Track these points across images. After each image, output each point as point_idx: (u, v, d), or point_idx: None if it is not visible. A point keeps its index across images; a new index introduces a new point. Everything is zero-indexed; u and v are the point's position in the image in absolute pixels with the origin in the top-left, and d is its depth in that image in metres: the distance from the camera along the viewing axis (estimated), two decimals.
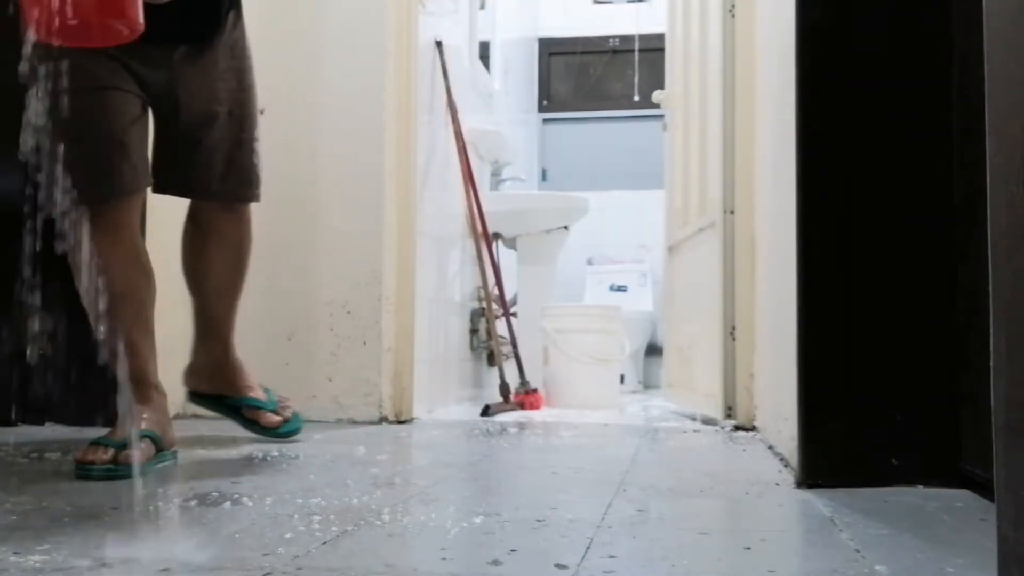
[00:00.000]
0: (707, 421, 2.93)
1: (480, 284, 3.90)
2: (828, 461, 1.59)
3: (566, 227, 4.31)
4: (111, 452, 1.72)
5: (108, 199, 1.90)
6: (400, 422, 2.84)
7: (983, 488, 1.48)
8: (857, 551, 1.12)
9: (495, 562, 1.05)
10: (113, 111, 1.92)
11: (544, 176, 6.11)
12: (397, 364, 2.88)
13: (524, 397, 3.59)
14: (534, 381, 3.74)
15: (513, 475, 1.84)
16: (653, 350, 5.08)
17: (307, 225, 2.90)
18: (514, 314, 4.11)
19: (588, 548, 1.12)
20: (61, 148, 1.86)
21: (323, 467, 1.82)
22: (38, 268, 2.46)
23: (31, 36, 1.63)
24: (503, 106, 5.16)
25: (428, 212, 3.30)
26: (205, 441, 2.26)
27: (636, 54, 5.96)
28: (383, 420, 2.81)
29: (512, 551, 1.10)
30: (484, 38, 4.69)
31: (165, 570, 0.99)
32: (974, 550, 1.13)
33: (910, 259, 1.61)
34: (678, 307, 3.54)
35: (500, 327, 3.84)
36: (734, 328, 2.82)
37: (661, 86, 3.85)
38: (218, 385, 2.28)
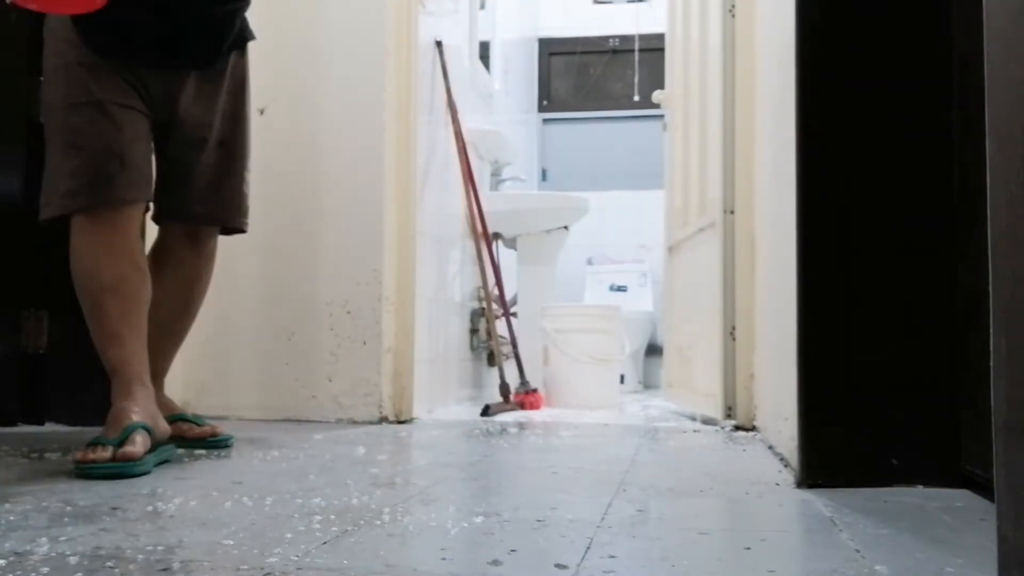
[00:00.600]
0: (707, 421, 2.93)
1: (480, 284, 3.90)
2: (828, 461, 1.59)
3: (566, 227, 4.31)
4: (110, 450, 1.72)
5: (99, 206, 1.91)
6: (400, 422, 2.84)
7: (983, 488, 1.48)
8: (857, 551, 1.12)
9: (495, 562, 1.05)
10: (117, 126, 1.94)
11: (544, 176, 6.11)
12: (397, 364, 2.88)
13: (524, 397, 3.59)
14: (534, 381, 3.74)
15: (513, 475, 1.84)
16: (653, 350, 5.09)
17: (307, 225, 2.90)
18: (514, 314, 4.12)
19: (588, 548, 1.12)
20: (62, 153, 1.90)
21: (323, 467, 1.82)
22: (37, 268, 2.46)
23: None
24: (503, 106, 5.15)
25: (428, 212, 3.30)
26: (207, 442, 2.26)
27: (636, 54, 5.96)
28: (383, 420, 2.81)
29: (512, 551, 1.10)
30: (484, 38, 4.69)
31: (165, 570, 0.99)
32: (974, 550, 1.13)
33: (910, 259, 1.61)
34: (678, 307, 3.54)
35: (500, 327, 3.84)
36: (734, 328, 2.82)
37: (661, 86, 3.85)
38: None
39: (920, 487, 1.56)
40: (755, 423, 2.68)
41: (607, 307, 4.25)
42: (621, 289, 5.38)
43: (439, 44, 3.48)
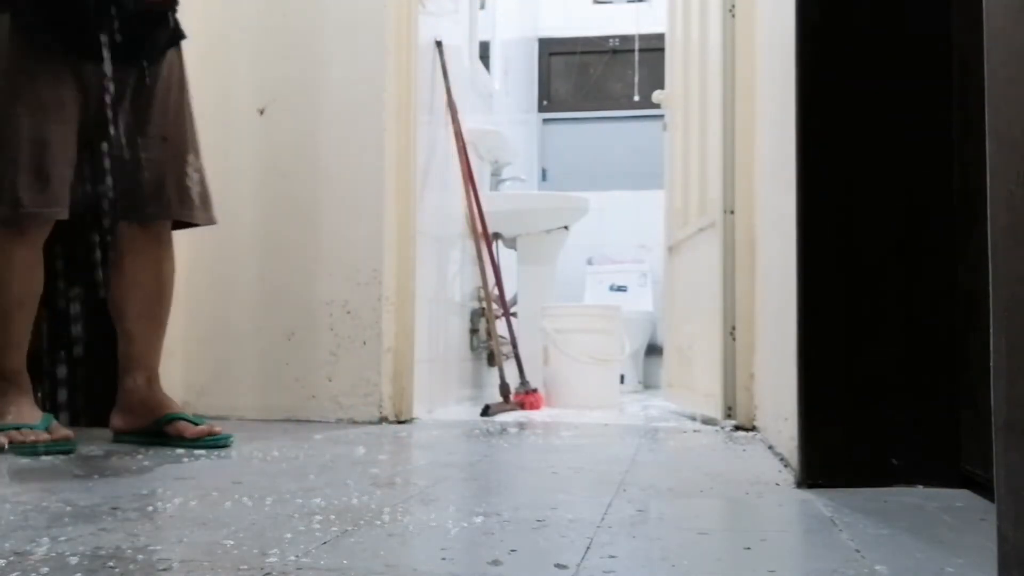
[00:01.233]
0: (707, 421, 2.93)
1: (480, 284, 3.90)
2: (828, 461, 1.59)
3: (566, 227, 4.31)
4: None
5: (23, 222, 2.02)
6: (400, 422, 2.84)
7: (983, 488, 1.48)
8: (857, 551, 1.12)
9: (495, 562, 1.05)
10: (46, 141, 2.02)
11: (544, 176, 6.11)
12: (397, 364, 2.88)
13: (524, 397, 3.59)
14: (534, 381, 3.74)
15: (513, 475, 1.84)
16: (653, 350, 5.09)
17: (307, 225, 2.90)
18: (514, 314, 4.11)
19: (588, 548, 1.12)
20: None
21: (323, 467, 1.82)
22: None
23: None
24: (503, 106, 5.15)
25: (428, 212, 3.30)
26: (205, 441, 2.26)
27: (636, 54, 5.96)
28: (383, 420, 2.81)
29: (512, 551, 1.10)
30: (484, 38, 4.69)
31: (165, 570, 0.99)
32: (974, 550, 1.13)
33: (910, 259, 1.61)
34: (678, 307, 3.54)
35: (500, 327, 3.84)
36: (734, 328, 2.82)
37: (661, 86, 3.85)
38: (141, 417, 2.19)
39: (920, 487, 1.56)
40: (755, 423, 2.68)
41: (607, 307, 4.25)
42: (621, 289, 5.38)
43: (439, 44, 3.48)
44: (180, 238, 2.62)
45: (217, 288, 2.93)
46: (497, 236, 4.25)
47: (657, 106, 3.85)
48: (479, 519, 1.29)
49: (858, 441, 1.59)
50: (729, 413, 2.81)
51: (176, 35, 2.22)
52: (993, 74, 0.79)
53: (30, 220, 2.02)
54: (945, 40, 1.62)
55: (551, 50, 6.22)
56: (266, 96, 2.95)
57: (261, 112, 2.95)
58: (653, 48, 5.54)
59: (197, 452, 2.04)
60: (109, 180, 2.13)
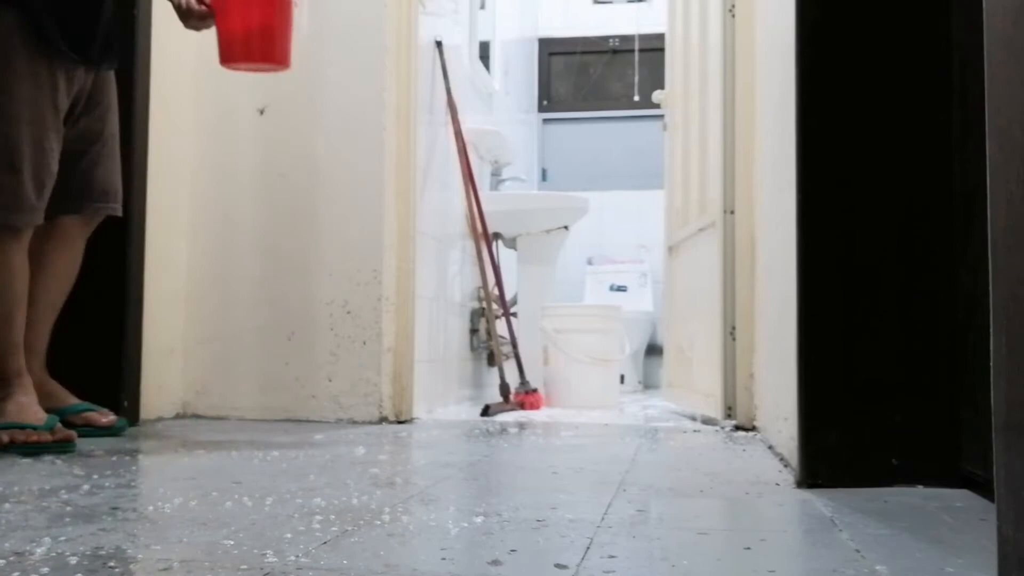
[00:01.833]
0: (707, 421, 2.93)
1: (480, 284, 3.90)
2: (828, 461, 1.59)
3: (566, 227, 4.31)
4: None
5: (23, 227, 2.09)
6: (400, 422, 2.84)
7: (983, 488, 1.48)
8: (857, 551, 1.12)
9: (495, 562, 1.05)
10: (50, 151, 2.09)
11: (544, 176, 6.11)
12: (397, 364, 2.88)
13: (524, 397, 3.59)
14: (534, 381, 3.74)
15: (513, 475, 1.84)
16: (653, 350, 5.09)
17: (307, 225, 2.90)
18: (514, 314, 4.11)
19: (588, 548, 1.12)
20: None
21: (323, 467, 1.82)
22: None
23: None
24: (503, 106, 5.15)
25: (428, 212, 3.30)
26: (205, 442, 2.26)
27: (636, 54, 5.96)
28: (383, 420, 2.81)
29: (512, 551, 1.10)
30: (484, 38, 4.68)
31: (165, 570, 0.99)
32: (974, 550, 1.13)
33: (910, 259, 1.61)
34: (678, 307, 3.54)
35: (500, 327, 3.84)
36: (734, 328, 2.82)
37: (661, 86, 3.85)
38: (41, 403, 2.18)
39: (920, 487, 1.56)
40: (755, 423, 2.68)
41: (607, 307, 4.25)
42: (621, 289, 5.37)
43: (439, 44, 3.48)
44: (180, 238, 2.63)
45: (217, 288, 2.93)
46: (497, 236, 4.25)
47: (657, 106, 3.85)
48: (479, 519, 1.29)
49: (858, 441, 1.59)
50: (729, 413, 2.81)
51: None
52: (993, 74, 0.79)
53: (30, 224, 2.09)
54: (945, 40, 1.62)
55: (551, 50, 6.22)
56: (266, 96, 2.94)
57: (261, 112, 2.95)
58: (653, 48, 5.54)
59: (197, 452, 2.04)
60: (75, 179, 2.22)
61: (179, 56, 2.84)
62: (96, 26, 2.17)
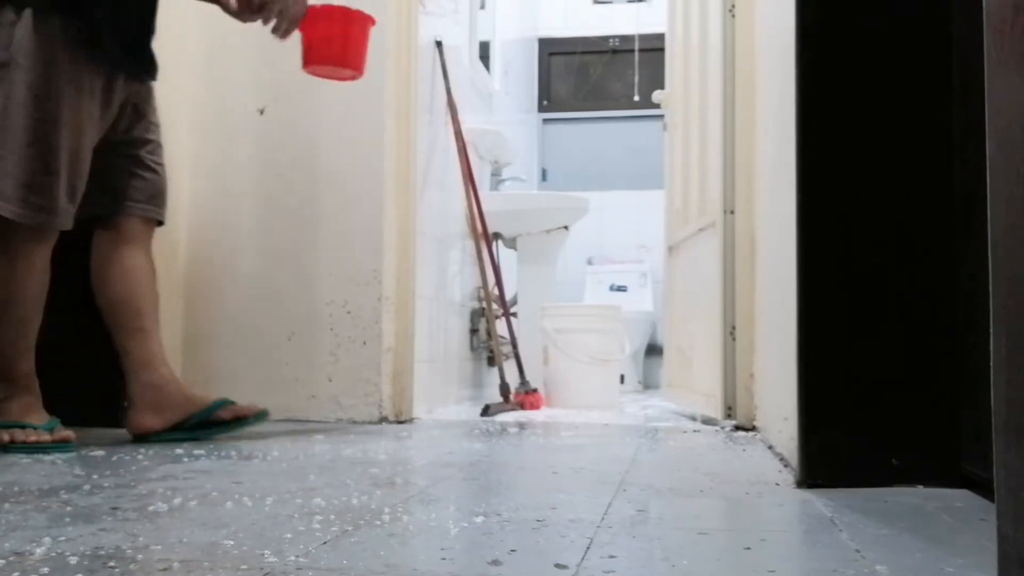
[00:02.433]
0: (707, 421, 2.93)
1: (480, 284, 3.90)
2: (828, 461, 1.59)
3: (566, 227, 4.31)
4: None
5: (53, 230, 2.11)
6: (400, 422, 2.84)
7: (983, 488, 1.48)
8: (857, 551, 1.12)
9: (495, 562, 1.05)
10: (87, 157, 2.13)
11: (544, 176, 6.11)
12: (397, 364, 2.88)
13: (524, 397, 3.59)
14: (534, 381, 3.74)
15: (513, 475, 1.84)
16: (653, 350, 5.09)
17: (307, 225, 2.90)
18: (514, 314, 4.11)
19: (588, 548, 1.12)
20: (43, 165, 2.04)
21: (323, 467, 1.82)
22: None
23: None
24: (503, 106, 5.15)
25: (428, 212, 3.30)
26: (205, 442, 2.26)
27: (636, 54, 5.96)
28: (383, 420, 2.81)
29: (512, 551, 1.10)
30: (484, 38, 4.68)
31: (165, 570, 0.99)
32: (974, 550, 1.13)
33: (910, 259, 1.61)
34: (678, 307, 3.54)
35: (500, 327, 3.84)
36: (734, 328, 2.82)
37: (661, 86, 3.85)
38: (178, 411, 2.26)
39: (920, 487, 1.56)
40: (755, 423, 2.68)
41: (607, 307, 4.25)
42: (621, 289, 5.38)
43: (439, 44, 3.48)
44: (179, 238, 2.63)
45: (217, 288, 2.93)
46: (497, 236, 4.25)
47: (657, 106, 3.85)
48: (479, 519, 1.29)
49: (858, 441, 1.59)
50: (729, 413, 2.81)
51: None
52: (993, 74, 0.79)
53: (61, 227, 2.11)
54: (945, 40, 1.62)
55: (551, 50, 6.22)
56: (266, 96, 2.95)
57: (261, 112, 2.95)
58: (653, 48, 5.55)
59: (196, 452, 2.04)
60: (133, 182, 2.26)
61: (179, 56, 2.84)
62: (148, 37, 2.24)
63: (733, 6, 2.87)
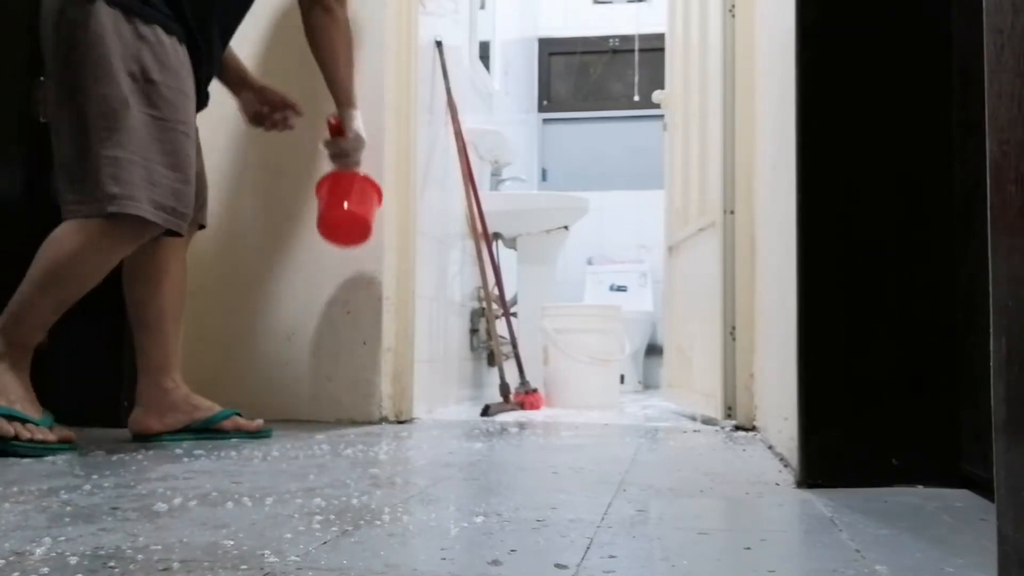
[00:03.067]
0: (707, 421, 2.93)
1: (480, 284, 3.90)
2: (828, 461, 1.59)
3: (566, 227, 4.31)
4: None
5: (165, 230, 2.16)
6: (400, 422, 2.84)
7: (983, 488, 1.48)
8: (857, 551, 1.12)
9: (495, 562, 1.05)
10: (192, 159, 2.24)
11: (544, 176, 6.11)
12: (397, 364, 2.88)
13: (524, 397, 3.59)
14: (534, 381, 3.74)
15: (513, 475, 1.84)
16: (653, 350, 5.09)
17: (307, 225, 2.90)
18: (514, 314, 4.11)
19: (588, 548, 1.12)
20: (164, 165, 2.11)
21: (323, 467, 1.82)
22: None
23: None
24: (503, 106, 5.16)
25: (428, 212, 3.30)
26: (204, 442, 2.26)
27: (636, 54, 5.96)
28: (383, 420, 2.81)
29: (512, 551, 1.10)
30: (484, 38, 4.69)
31: (165, 570, 0.99)
32: (974, 550, 1.13)
33: (910, 259, 1.61)
34: (678, 307, 3.54)
35: (500, 327, 3.84)
36: (734, 328, 2.82)
37: (661, 86, 3.85)
38: (182, 415, 2.30)
39: (920, 487, 1.56)
40: (755, 423, 2.68)
41: (607, 307, 4.25)
42: (621, 289, 5.38)
43: (439, 44, 3.48)
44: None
45: (217, 288, 2.93)
46: (497, 236, 4.25)
47: (657, 106, 3.85)
48: (479, 519, 1.29)
49: (858, 441, 1.59)
50: (729, 413, 2.81)
51: None
52: (993, 74, 0.79)
53: (183, 232, 2.20)
54: (945, 40, 1.62)
55: (551, 50, 6.22)
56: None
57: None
58: (653, 48, 5.55)
59: (196, 452, 2.04)
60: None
61: None
62: (213, 68, 2.36)
63: (733, 6, 2.87)
